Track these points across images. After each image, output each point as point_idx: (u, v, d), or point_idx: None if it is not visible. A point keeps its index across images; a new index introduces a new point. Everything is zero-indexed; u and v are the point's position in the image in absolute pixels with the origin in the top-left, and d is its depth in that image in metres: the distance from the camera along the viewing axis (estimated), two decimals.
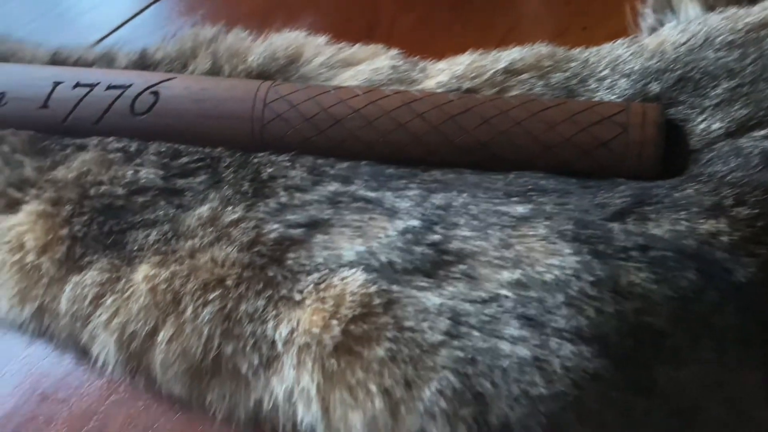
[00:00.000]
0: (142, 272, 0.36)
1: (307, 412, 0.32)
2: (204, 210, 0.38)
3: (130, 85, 0.43)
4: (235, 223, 0.37)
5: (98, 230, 0.38)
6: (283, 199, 0.38)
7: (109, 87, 0.43)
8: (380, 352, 0.31)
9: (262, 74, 0.44)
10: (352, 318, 0.32)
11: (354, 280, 0.33)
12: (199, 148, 0.42)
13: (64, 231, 0.38)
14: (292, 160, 0.40)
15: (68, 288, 0.37)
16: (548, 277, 0.33)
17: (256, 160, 0.41)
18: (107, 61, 0.49)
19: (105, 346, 0.37)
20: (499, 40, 0.46)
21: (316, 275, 0.35)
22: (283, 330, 0.33)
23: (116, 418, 0.38)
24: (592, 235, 0.34)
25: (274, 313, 0.34)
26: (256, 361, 0.34)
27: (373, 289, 0.33)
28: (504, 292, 0.33)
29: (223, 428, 0.36)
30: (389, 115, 0.39)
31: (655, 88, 0.38)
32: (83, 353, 0.40)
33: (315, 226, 0.37)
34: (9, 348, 0.42)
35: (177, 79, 0.43)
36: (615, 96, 0.39)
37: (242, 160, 0.41)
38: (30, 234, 0.38)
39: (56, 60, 0.50)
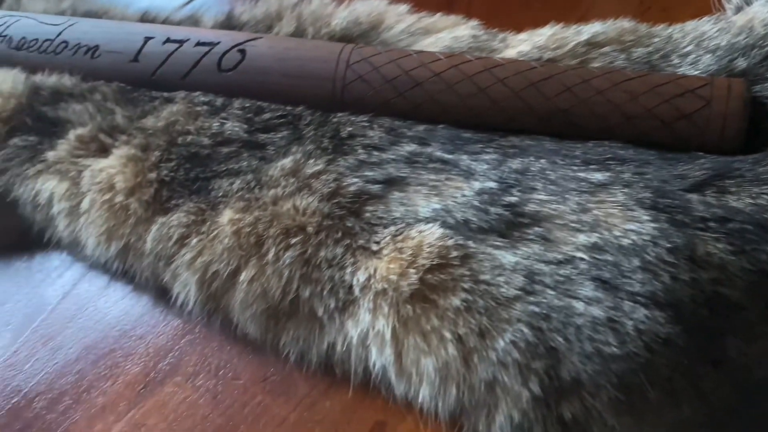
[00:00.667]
0: (226, 216, 0.37)
1: (380, 356, 0.33)
2: (287, 162, 0.39)
3: (218, 43, 0.45)
4: (317, 175, 0.38)
5: (185, 176, 0.40)
6: (362, 157, 0.39)
7: (198, 44, 0.45)
8: (456, 301, 0.32)
9: (345, 38, 0.45)
10: (429, 268, 0.33)
11: (431, 233, 0.34)
12: (281, 106, 0.43)
13: (153, 175, 0.40)
14: (370, 121, 0.41)
15: (154, 228, 0.39)
16: (625, 241, 0.33)
17: (335, 120, 0.42)
18: (193, 22, 0.51)
19: (186, 284, 0.38)
20: (577, 18, 0.46)
21: (392, 228, 0.36)
22: (361, 276, 0.34)
23: (191, 357, 0.40)
24: (671, 204, 0.34)
25: (351, 260, 0.35)
26: (332, 305, 0.35)
27: (450, 242, 0.34)
28: (580, 254, 0.33)
29: (294, 370, 0.38)
30: (471, 80, 0.39)
31: (741, 64, 0.38)
32: (160, 295, 0.42)
33: (392, 183, 0.38)
34: (89, 287, 0.45)
35: (263, 38, 0.44)
36: (698, 71, 0.39)
37: (322, 119, 0.42)
38: (120, 176, 0.40)
39: (145, 19, 0.52)
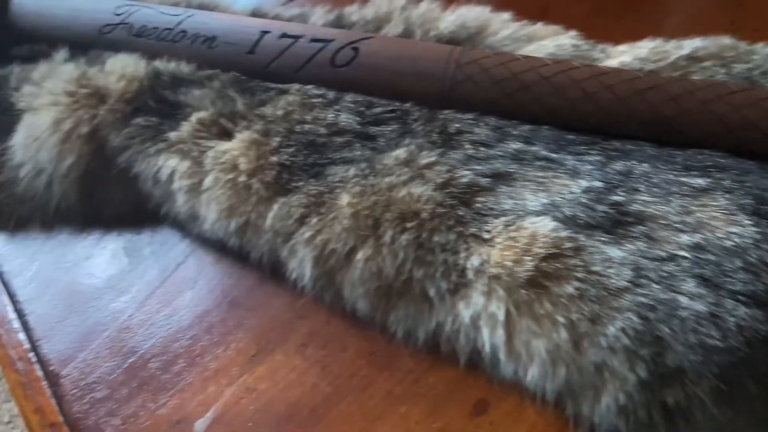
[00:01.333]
0: (345, 199, 0.40)
1: (492, 336, 0.36)
2: (401, 152, 0.42)
3: (332, 40, 0.48)
4: (430, 165, 0.41)
5: (303, 161, 0.43)
6: (470, 152, 0.42)
7: (313, 40, 0.48)
8: (569, 289, 0.34)
9: (452, 41, 0.48)
10: (544, 257, 0.35)
11: (545, 225, 0.36)
12: (390, 101, 0.46)
13: (274, 158, 0.43)
14: (476, 119, 0.44)
15: (275, 207, 0.42)
16: (727, 243, 0.35)
17: (442, 116, 0.45)
18: (302, 19, 0.54)
19: (302, 261, 0.41)
20: (669, 34, 0.49)
21: (503, 218, 0.38)
22: (475, 261, 0.37)
23: (300, 329, 0.43)
24: None
25: (464, 246, 0.37)
26: (444, 287, 0.37)
27: (563, 234, 0.36)
28: (683, 253, 0.35)
29: (399, 347, 0.40)
30: (578, 85, 0.42)
31: None
32: (272, 270, 0.44)
33: (500, 177, 0.41)
34: (201, 260, 0.48)
35: (375, 38, 0.47)
36: None
37: (429, 115, 0.45)
38: (243, 158, 0.43)
39: (255, 15, 0.55)
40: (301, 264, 0.42)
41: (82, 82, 0.49)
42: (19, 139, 0.50)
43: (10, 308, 0.48)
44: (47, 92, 0.50)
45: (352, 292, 0.40)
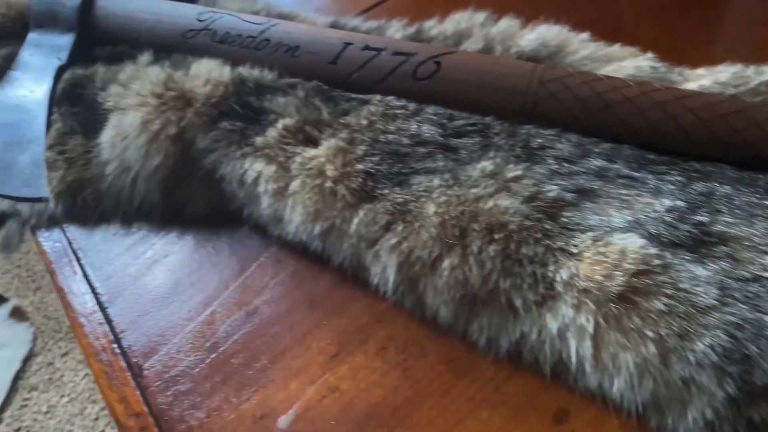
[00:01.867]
0: (431, 208, 0.42)
1: (580, 347, 0.37)
2: (487, 164, 0.43)
3: (414, 54, 0.49)
4: (516, 179, 0.42)
5: (387, 170, 0.45)
6: (554, 167, 0.43)
7: (395, 53, 0.50)
8: (659, 304, 0.35)
9: (532, 58, 0.49)
10: (634, 272, 0.36)
11: (634, 242, 0.38)
12: (471, 115, 0.47)
13: (360, 166, 0.45)
14: (558, 135, 0.45)
15: (361, 213, 0.43)
16: None
17: (523, 131, 0.46)
18: (379, 32, 0.56)
19: (386, 266, 0.43)
20: (744, 59, 0.50)
21: (590, 234, 0.39)
22: (563, 274, 0.38)
23: (380, 332, 0.44)
24: None
25: (553, 259, 0.39)
26: (531, 298, 0.39)
27: (652, 251, 0.37)
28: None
29: (479, 354, 0.41)
30: (661, 107, 0.43)
31: None
32: (352, 274, 0.46)
33: (584, 193, 0.42)
34: (282, 260, 0.49)
35: (457, 53, 0.49)
36: None
37: (511, 130, 0.46)
38: (329, 165, 0.45)
39: (334, 26, 0.57)
40: (385, 269, 0.43)
41: (168, 85, 0.51)
42: (106, 137, 0.52)
43: (92, 300, 0.50)
44: (134, 93, 0.52)
45: (435, 299, 0.42)
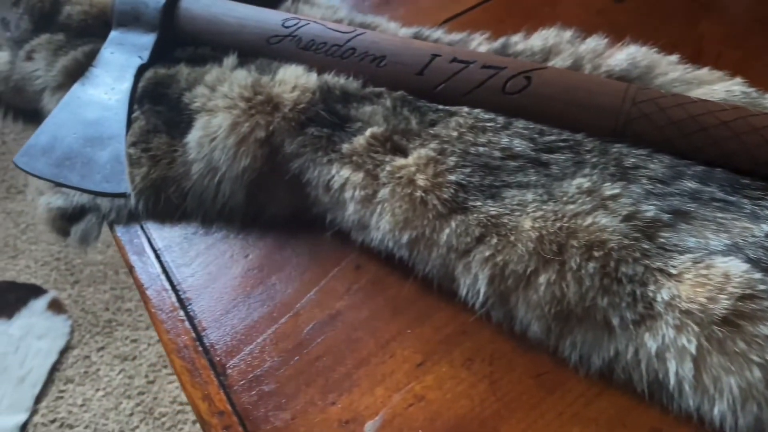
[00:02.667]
0: (527, 223, 0.42)
1: (680, 369, 0.37)
2: (584, 181, 0.43)
3: (504, 68, 0.50)
4: (614, 197, 0.42)
5: (479, 182, 0.45)
6: (648, 187, 0.43)
7: (484, 66, 0.50)
8: (765, 329, 0.35)
9: (622, 78, 0.49)
10: (739, 296, 0.36)
11: (737, 265, 0.38)
12: (561, 131, 0.48)
13: (452, 177, 0.45)
14: (649, 155, 0.45)
15: (453, 223, 0.44)
16: None
17: (615, 150, 0.46)
18: (462, 45, 0.56)
19: (476, 278, 0.43)
20: None
21: (689, 255, 0.39)
22: (664, 294, 0.38)
23: (466, 343, 0.44)
24: None
25: (653, 279, 0.39)
26: (629, 317, 0.39)
27: (756, 275, 0.37)
28: None
29: (569, 370, 0.42)
30: (757, 132, 0.43)
31: None
32: (439, 284, 0.46)
33: (679, 215, 0.42)
34: (363, 266, 0.50)
35: (548, 69, 0.49)
36: None
37: (602, 148, 0.46)
38: (420, 174, 0.45)
39: (417, 37, 0.58)
40: (475, 281, 0.43)
41: (256, 89, 0.52)
42: (194, 137, 0.52)
43: (174, 297, 0.51)
44: (222, 95, 0.53)
45: (527, 314, 0.42)
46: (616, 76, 0.50)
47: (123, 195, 0.56)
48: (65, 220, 0.58)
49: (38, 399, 1.28)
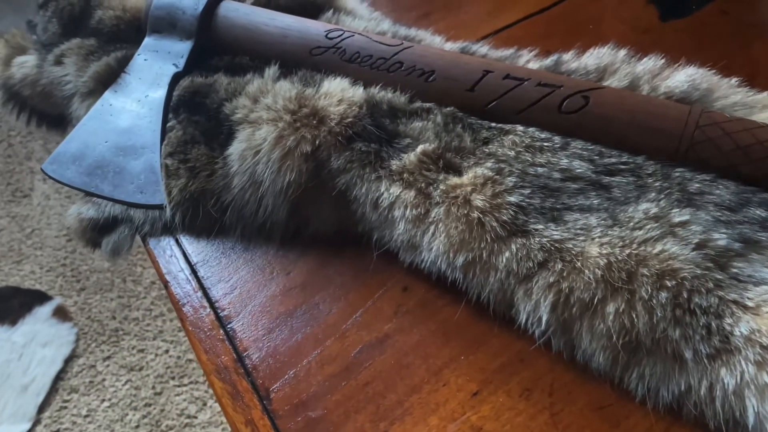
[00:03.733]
0: (594, 249, 0.40)
1: (761, 407, 0.35)
2: (651, 206, 0.42)
3: (560, 86, 0.48)
4: (683, 224, 0.41)
5: (540, 204, 0.43)
6: (715, 214, 0.42)
7: (540, 84, 0.49)
8: None
9: (682, 100, 0.48)
10: None
11: None
12: (621, 153, 0.46)
13: (511, 198, 0.43)
14: (713, 181, 0.44)
15: (513, 247, 0.42)
16: None
17: (677, 174, 0.45)
18: (511, 61, 0.55)
19: (538, 305, 0.41)
20: None
21: (766, 287, 0.38)
22: (743, 328, 0.36)
23: (524, 372, 0.43)
24: None
25: (729, 311, 0.37)
26: (703, 351, 0.37)
27: None
28: None
29: (632, 403, 0.40)
30: None
31: None
32: (493, 310, 0.45)
33: (750, 243, 0.40)
34: (411, 288, 0.48)
35: (607, 89, 0.48)
36: None
37: (664, 172, 0.45)
38: (477, 195, 0.44)
39: (464, 53, 0.56)
40: (537, 308, 0.41)
41: (301, 102, 0.50)
42: (236, 149, 0.51)
43: (212, 315, 0.49)
44: (265, 107, 0.51)
45: (591, 343, 0.40)
46: (676, 98, 0.48)
47: (159, 207, 0.54)
48: (96, 232, 0.56)
49: (41, 408, 1.25)
